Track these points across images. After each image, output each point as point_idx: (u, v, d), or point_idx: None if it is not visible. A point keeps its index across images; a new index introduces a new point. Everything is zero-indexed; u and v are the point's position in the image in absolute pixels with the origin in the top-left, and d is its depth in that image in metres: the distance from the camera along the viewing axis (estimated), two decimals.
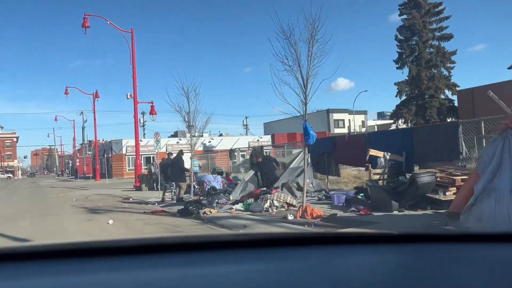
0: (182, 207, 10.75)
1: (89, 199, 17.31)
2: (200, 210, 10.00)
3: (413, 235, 1.29)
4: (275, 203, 9.94)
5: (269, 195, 10.19)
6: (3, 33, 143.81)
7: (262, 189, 11.27)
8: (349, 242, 1.23)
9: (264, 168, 12.42)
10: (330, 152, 14.18)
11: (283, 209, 9.81)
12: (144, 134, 61.27)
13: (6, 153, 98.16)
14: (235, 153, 30.91)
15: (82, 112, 64.96)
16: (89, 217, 10.97)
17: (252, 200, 10.54)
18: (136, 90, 22.10)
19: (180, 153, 14.19)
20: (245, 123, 77.95)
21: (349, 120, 57.47)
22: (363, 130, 53.53)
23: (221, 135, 56.77)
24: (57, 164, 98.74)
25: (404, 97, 41.90)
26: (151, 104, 23.50)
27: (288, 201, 10.10)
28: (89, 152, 74.06)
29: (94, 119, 38.92)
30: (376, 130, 41.76)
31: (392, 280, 0.95)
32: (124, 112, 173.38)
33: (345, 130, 53.82)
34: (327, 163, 14.39)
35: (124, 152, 44.76)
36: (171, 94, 28.75)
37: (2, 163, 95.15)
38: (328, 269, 1.01)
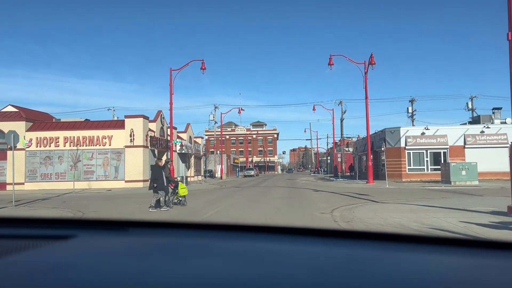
0: None
1: None
2: None
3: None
4: None
5: None
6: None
7: None
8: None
9: None
10: None
11: None
12: (412, 124, 48.19)
13: (268, 148, 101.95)
14: None
15: (341, 102, 57.03)
16: None
17: None
18: None
19: None
20: None
21: None
22: None
23: None
24: (313, 161, 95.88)
25: None
26: None
27: None
28: (347, 149, 65.57)
29: (366, 95, 27.68)
30: None
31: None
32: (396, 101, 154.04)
33: None
34: None
35: (402, 145, 32.30)
36: None
37: (265, 158, 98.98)
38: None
